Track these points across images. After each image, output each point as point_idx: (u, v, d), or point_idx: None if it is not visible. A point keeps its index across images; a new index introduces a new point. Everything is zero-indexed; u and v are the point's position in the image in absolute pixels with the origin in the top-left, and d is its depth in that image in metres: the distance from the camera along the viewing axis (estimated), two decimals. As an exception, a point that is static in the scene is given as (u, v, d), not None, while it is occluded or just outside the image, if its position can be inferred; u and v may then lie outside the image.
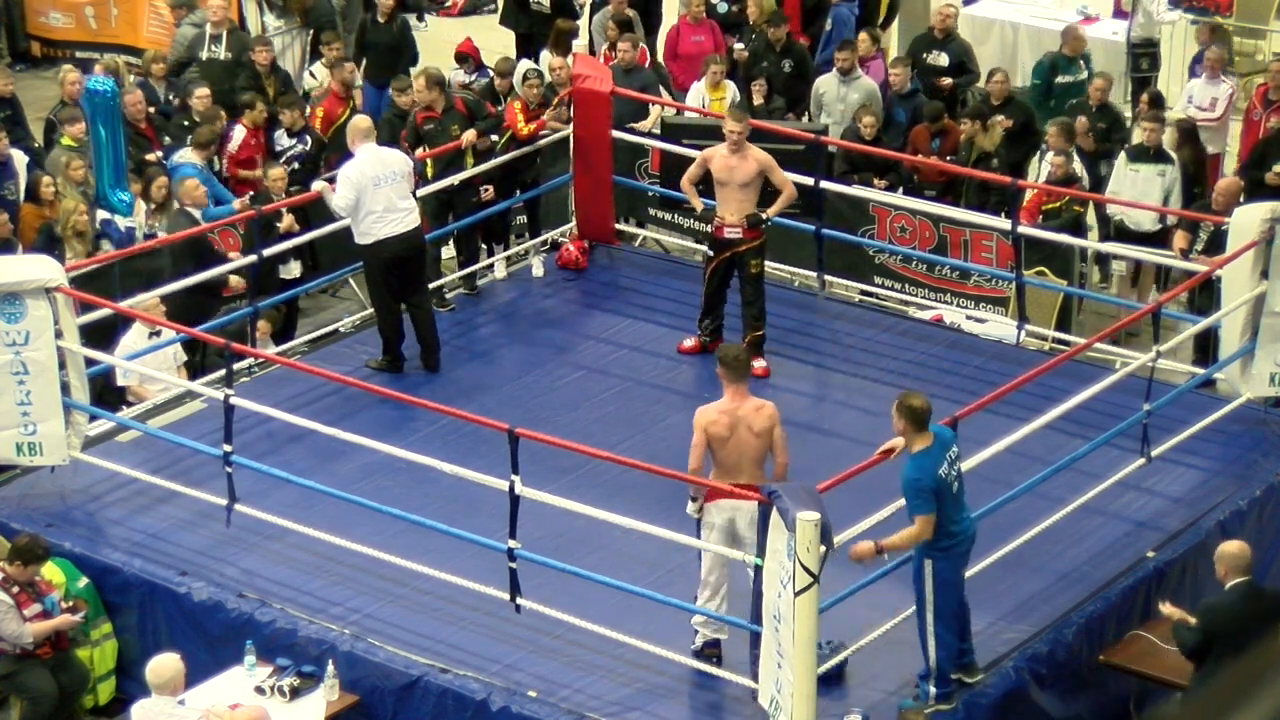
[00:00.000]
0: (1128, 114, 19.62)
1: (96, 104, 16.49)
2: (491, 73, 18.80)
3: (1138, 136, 17.88)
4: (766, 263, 15.03)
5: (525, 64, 18.77)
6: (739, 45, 20.00)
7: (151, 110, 18.11)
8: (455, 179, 16.02)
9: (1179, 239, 15.91)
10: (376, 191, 14.49)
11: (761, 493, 11.11)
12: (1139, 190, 17.25)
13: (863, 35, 19.95)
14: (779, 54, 19.69)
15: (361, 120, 15.00)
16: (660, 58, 20.71)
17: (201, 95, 17.99)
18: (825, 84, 19.29)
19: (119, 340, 14.86)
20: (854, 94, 18.99)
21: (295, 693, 11.83)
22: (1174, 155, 17.34)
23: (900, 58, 19.73)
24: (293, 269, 16.66)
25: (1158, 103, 18.30)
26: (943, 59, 19.65)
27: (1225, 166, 19.23)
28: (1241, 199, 15.70)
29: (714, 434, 11.62)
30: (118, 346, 14.77)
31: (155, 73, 18.95)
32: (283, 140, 18.18)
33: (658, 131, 17.75)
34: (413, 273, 14.84)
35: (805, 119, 19.04)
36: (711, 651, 11.81)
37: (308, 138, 18.15)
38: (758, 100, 19.02)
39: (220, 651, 12.23)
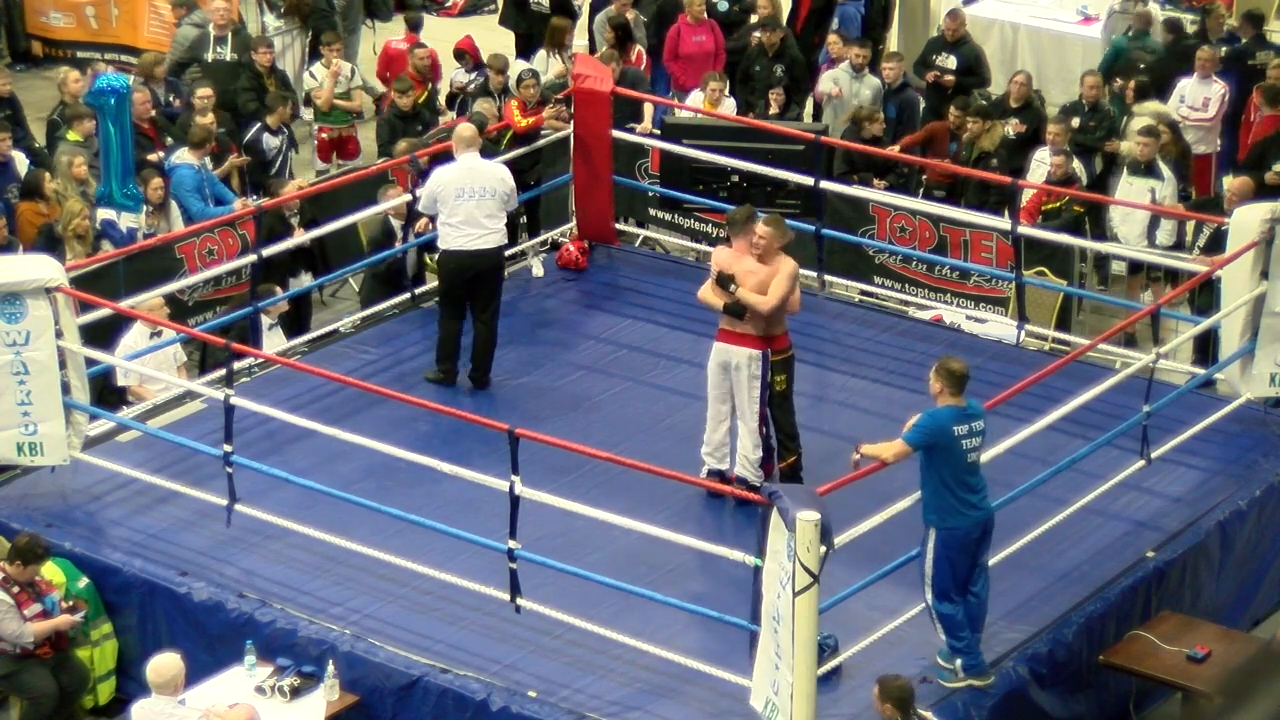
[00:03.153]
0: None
1: (106, 102, 16.40)
2: (487, 70, 18.81)
3: (1130, 149, 17.84)
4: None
5: (520, 65, 18.77)
6: (759, 33, 19.89)
7: (154, 112, 18.11)
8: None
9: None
10: (457, 203, 14.35)
11: (761, 493, 11.15)
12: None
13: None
14: (771, 58, 19.66)
15: (465, 129, 14.77)
16: (660, 59, 20.71)
17: (203, 95, 17.94)
18: (838, 79, 19.26)
19: (119, 340, 14.85)
20: (865, 90, 19.03)
21: (295, 693, 11.84)
22: (1167, 172, 17.27)
23: (895, 53, 19.73)
24: (303, 280, 16.45)
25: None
26: (951, 61, 19.61)
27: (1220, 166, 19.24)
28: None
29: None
30: (118, 346, 14.76)
31: (156, 74, 18.94)
32: (270, 141, 18.21)
33: (658, 132, 17.74)
34: (483, 290, 14.69)
35: (804, 120, 19.04)
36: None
37: (285, 130, 18.26)
38: (773, 110, 18.98)
39: (220, 651, 12.24)
